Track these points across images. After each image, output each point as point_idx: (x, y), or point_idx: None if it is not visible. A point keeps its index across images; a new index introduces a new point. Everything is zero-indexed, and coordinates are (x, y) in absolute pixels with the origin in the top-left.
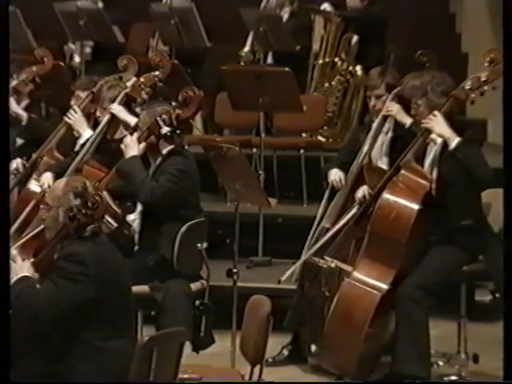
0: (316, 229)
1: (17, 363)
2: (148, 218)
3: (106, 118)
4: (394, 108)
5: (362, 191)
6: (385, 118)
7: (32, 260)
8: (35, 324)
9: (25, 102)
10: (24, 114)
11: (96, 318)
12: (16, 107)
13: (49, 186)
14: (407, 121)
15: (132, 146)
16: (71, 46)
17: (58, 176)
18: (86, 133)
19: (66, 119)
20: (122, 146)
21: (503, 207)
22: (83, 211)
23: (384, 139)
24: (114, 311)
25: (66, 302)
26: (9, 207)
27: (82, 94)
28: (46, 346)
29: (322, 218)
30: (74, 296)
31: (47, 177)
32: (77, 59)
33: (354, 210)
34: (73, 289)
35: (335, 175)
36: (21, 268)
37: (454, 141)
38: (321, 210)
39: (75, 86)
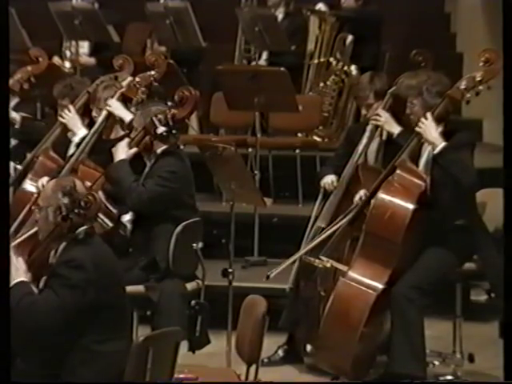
0: (311, 229)
1: (16, 367)
2: (142, 218)
3: (102, 116)
4: (382, 118)
5: (359, 196)
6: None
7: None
8: (35, 333)
9: (14, 101)
10: (17, 117)
11: (93, 322)
12: (9, 110)
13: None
14: (395, 130)
15: (121, 150)
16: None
17: None
18: (81, 131)
19: (61, 118)
20: (114, 149)
21: (503, 207)
22: (76, 210)
23: (378, 142)
24: (110, 313)
25: (67, 311)
26: (9, 208)
27: (64, 102)
28: (45, 353)
29: (316, 218)
30: (74, 304)
31: (44, 181)
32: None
33: (351, 214)
34: (73, 297)
35: (327, 178)
36: (16, 272)
37: (438, 147)
38: (316, 210)
39: (54, 95)
